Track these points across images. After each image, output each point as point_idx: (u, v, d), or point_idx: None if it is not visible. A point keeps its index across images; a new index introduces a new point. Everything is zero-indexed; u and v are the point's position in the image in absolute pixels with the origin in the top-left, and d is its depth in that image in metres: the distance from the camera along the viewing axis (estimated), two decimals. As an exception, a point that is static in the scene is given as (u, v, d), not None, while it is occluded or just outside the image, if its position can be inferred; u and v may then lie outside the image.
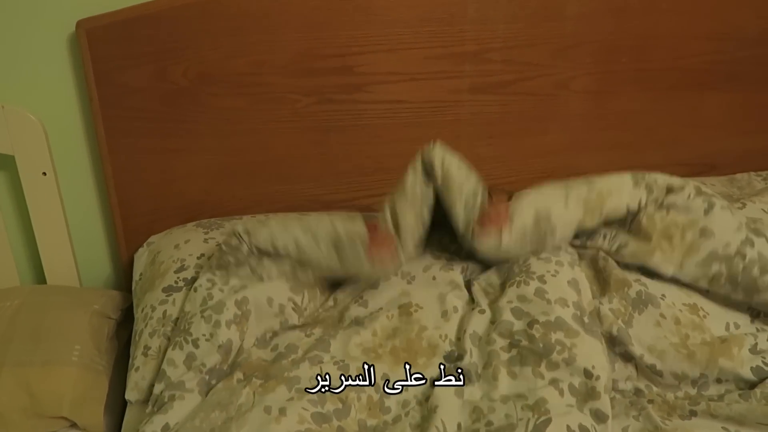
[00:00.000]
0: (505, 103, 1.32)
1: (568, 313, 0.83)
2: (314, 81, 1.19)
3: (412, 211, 0.95)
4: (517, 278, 0.89)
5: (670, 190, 0.99)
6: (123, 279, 1.23)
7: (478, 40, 1.25)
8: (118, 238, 1.19)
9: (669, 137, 1.49)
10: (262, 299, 0.90)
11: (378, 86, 1.23)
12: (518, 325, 0.83)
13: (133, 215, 1.18)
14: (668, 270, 0.94)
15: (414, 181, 0.97)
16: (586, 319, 0.83)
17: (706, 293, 0.94)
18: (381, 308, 0.91)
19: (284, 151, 1.22)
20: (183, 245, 1.04)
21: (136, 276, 1.09)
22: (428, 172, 0.97)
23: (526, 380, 0.79)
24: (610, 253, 0.99)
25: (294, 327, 0.93)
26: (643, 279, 0.93)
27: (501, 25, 1.25)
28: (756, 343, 0.87)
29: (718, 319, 0.92)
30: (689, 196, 0.97)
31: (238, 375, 0.83)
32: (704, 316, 0.91)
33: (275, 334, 0.91)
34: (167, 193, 1.19)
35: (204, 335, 0.85)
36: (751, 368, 0.84)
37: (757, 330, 0.92)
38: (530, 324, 0.82)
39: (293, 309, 0.93)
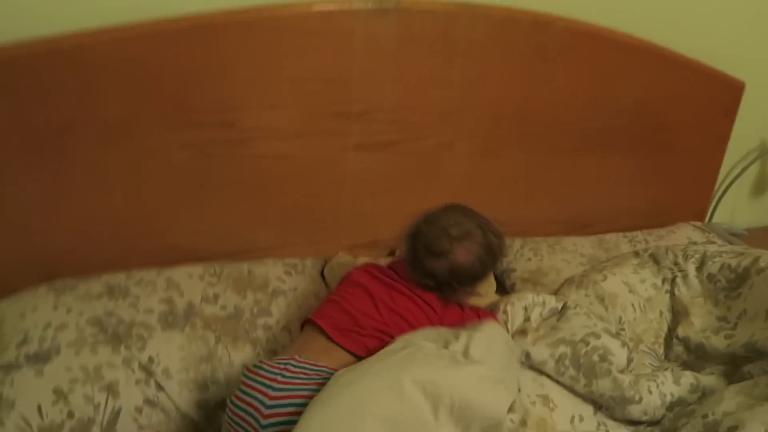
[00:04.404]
0: (389, 162, 1.34)
1: None
2: (192, 134, 1.15)
3: None
4: None
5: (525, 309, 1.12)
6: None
7: (365, 101, 1.26)
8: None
9: (547, 196, 1.57)
10: None
11: (260, 142, 1.21)
12: None
13: (-17, 268, 1.10)
14: (523, 345, 1.00)
15: None
16: None
17: (556, 384, 1.00)
18: None
19: (157, 205, 1.17)
20: (29, 313, 0.97)
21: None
22: None
23: None
24: None
25: None
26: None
27: (387, 87, 1.27)
28: (590, 443, 0.95)
29: (565, 412, 0.98)
30: (540, 314, 1.10)
31: None
32: (553, 408, 0.97)
33: None
34: (27, 246, 1.11)
35: None
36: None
37: (598, 425, 0.99)
38: None
39: None
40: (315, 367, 0.86)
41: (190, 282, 1.10)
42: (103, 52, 1.04)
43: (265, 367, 0.86)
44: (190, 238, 1.22)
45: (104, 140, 1.10)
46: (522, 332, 1.06)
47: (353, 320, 0.94)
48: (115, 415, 0.89)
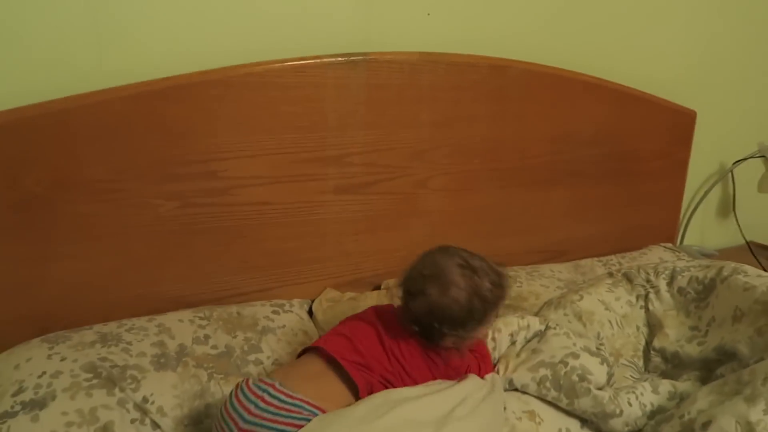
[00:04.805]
0: (368, 202, 1.40)
1: None
2: (177, 186, 1.21)
3: None
4: None
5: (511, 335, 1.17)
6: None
7: (340, 146, 1.33)
8: (-40, 351, 1.13)
9: (522, 227, 1.63)
10: None
11: (243, 189, 1.27)
12: None
13: (-21, 326, 1.12)
14: (505, 374, 1.05)
15: None
16: None
17: (541, 400, 1.04)
18: None
19: (145, 255, 1.22)
20: (24, 364, 1.00)
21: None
22: None
23: None
24: None
25: None
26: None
27: (360, 132, 1.35)
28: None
29: (552, 425, 1.02)
30: (525, 337, 1.16)
31: None
32: (540, 423, 1.01)
33: None
34: (20, 302, 1.14)
35: None
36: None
37: None
38: None
39: None
40: (289, 400, 0.86)
41: (181, 326, 1.13)
42: (90, 114, 1.11)
43: (246, 391, 0.87)
44: (178, 285, 1.26)
45: (93, 196, 1.15)
46: (504, 358, 1.10)
47: (363, 359, 0.95)
48: (112, 455, 0.91)
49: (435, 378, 1.00)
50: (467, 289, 0.97)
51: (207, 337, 1.12)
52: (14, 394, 0.94)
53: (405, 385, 0.95)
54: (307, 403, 0.86)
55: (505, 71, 1.47)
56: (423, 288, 0.97)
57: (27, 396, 0.94)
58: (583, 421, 1.06)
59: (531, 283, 1.48)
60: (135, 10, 1.15)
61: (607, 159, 1.69)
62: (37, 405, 0.93)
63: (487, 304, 0.98)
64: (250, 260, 1.32)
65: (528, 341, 1.16)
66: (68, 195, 1.13)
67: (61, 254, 1.15)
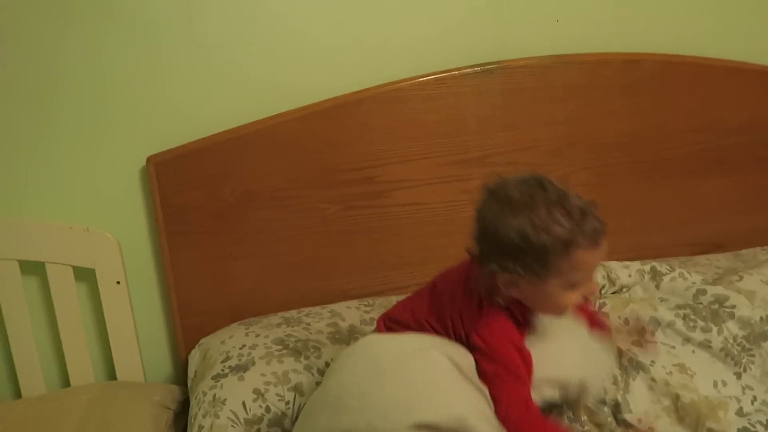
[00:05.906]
0: (511, 199, 1.48)
1: None
2: (340, 191, 1.38)
3: None
4: None
5: (624, 286, 1.20)
6: (181, 374, 1.38)
7: (481, 147, 1.44)
8: (177, 337, 1.36)
9: (670, 221, 1.61)
10: None
11: (396, 192, 1.41)
12: None
13: (190, 315, 1.36)
14: (648, 311, 1.06)
15: None
16: None
17: (691, 354, 1.03)
18: None
19: (316, 253, 1.40)
20: (228, 340, 1.21)
21: (191, 374, 1.25)
22: None
23: None
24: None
25: None
26: (633, 349, 1.04)
27: (499, 133, 1.44)
28: (741, 407, 0.96)
29: (706, 378, 1.00)
30: (629, 275, 1.21)
31: None
32: (692, 375, 0.99)
33: None
34: (218, 295, 1.37)
35: None
36: (738, 430, 0.92)
37: (743, 389, 0.99)
38: None
39: None
40: None
41: (349, 311, 1.29)
42: (269, 134, 1.33)
43: None
44: (344, 279, 1.42)
45: (272, 203, 1.36)
46: (641, 300, 1.11)
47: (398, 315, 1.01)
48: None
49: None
50: (525, 210, 0.79)
51: (373, 319, 1.25)
52: (223, 361, 1.14)
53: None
54: None
55: (638, 65, 1.50)
56: (481, 206, 0.84)
57: (233, 362, 1.13)
58: (742, 371, 1.02)
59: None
60: (302, 47, 1.37)
61: (761, 146, 1.62)
62: (241, 368, 1.11)
63: (550, 238, 0.77)
64: (406, 256, 1.45)
65: (641, 285, 1.17)
66: (254, 203, 1.35)
67: (248, 254, 1.37)
